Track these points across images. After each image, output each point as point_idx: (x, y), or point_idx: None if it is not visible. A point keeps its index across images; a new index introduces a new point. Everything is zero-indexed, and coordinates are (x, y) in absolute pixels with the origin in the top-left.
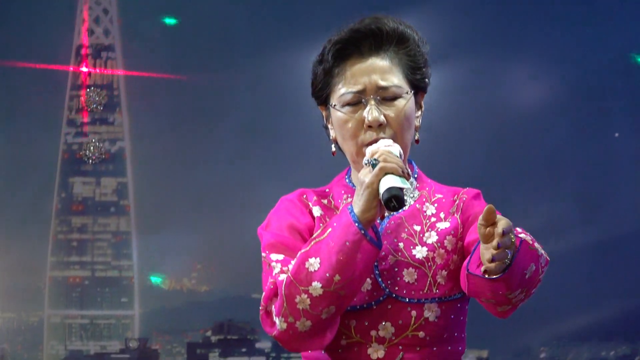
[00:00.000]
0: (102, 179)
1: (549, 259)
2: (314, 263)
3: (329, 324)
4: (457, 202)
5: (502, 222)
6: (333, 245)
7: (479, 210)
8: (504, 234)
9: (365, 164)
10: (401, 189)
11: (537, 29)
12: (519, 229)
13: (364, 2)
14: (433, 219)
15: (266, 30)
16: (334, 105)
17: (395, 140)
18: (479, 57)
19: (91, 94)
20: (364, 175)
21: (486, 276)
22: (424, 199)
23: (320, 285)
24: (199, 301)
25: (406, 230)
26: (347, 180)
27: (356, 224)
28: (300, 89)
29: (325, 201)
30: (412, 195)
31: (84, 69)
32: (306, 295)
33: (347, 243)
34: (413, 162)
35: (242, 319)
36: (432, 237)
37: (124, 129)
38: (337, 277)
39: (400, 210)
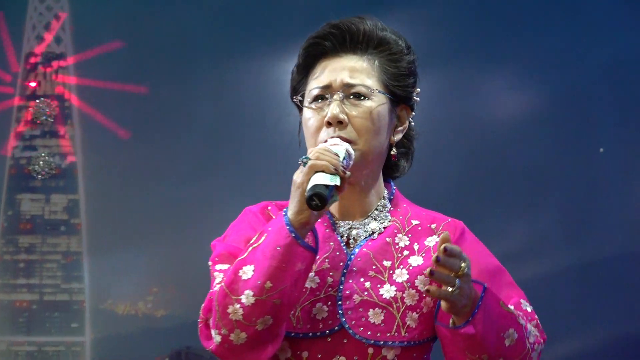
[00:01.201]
0: (52, 196)
1: (544, 338)
2: (247, 271)
3: (268, 337)
4: (437, 238)
5: (451, 245)
6: (266, 251)
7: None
8: (446, 251)
9: (299, 163)
10: (327, 187)
11: (516, 35)
12: (519, 312)
13: (332, 5)
14: (405, 252)
15: (229, 34)
16: (303, 102)
17: (355, 143)
18: (454, 66)
19: (41, 105)
20: (296, 175)
21: (450, 325)
22: (396, 230)
23: (252, 293)
24: (155, 327)
25: (374, 267)
26: None
27: (287, 227)
28: (267, 97)
29: None
30: (381, 220)
31: (33, 79)
32: (239, 305)
33: (278, 248)
34: (391, 182)
35: (201, 346)
36: (402, 276)
37: (76, 142)
38: (268, 285)
39: (324, 208)
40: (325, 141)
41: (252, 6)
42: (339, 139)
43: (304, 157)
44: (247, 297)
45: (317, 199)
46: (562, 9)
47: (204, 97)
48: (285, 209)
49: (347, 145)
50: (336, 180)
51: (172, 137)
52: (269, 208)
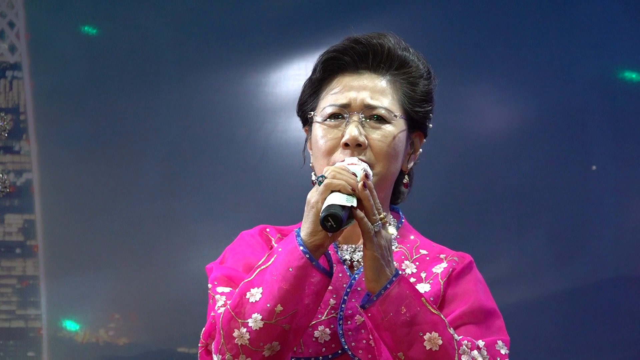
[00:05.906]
0: (6, 216)
1: None
2: (255, 293)
3: None
4: (445, 265)
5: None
6: (276, 273)
7: (459, 291)
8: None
9: (313, 182)
10: (343, 207)
11: (504, 44)
12: (480, 344)
13: (306, 15)
14: (412, 280)
15: (195, 42)
16: (315, 118)
17: (373, 167)
18: (437, 77)
19: None
20: (311, 195)
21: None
22: (403, 257)
23: (261, 317)
24: (117, 356)
25: None
26: None
27: (301, 248)
28: (237, 110)
29: None
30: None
31: None
32: (245, 329)
33: (291, 269)
34: (400, 211)
35: None
36: None
37: (32, 158)
38: (278, 308)
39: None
40: (342, 160)
41: (220, 12)
42: (356, 159)
43: (319, 176)
44: (254, 320)
45: (332, 220)
46: (554, 17)
47: (167, 110)
48: (297, 229)
49: (364, 165)
50: (352, 202)
51: (134, 153)
52: (267, 230)
